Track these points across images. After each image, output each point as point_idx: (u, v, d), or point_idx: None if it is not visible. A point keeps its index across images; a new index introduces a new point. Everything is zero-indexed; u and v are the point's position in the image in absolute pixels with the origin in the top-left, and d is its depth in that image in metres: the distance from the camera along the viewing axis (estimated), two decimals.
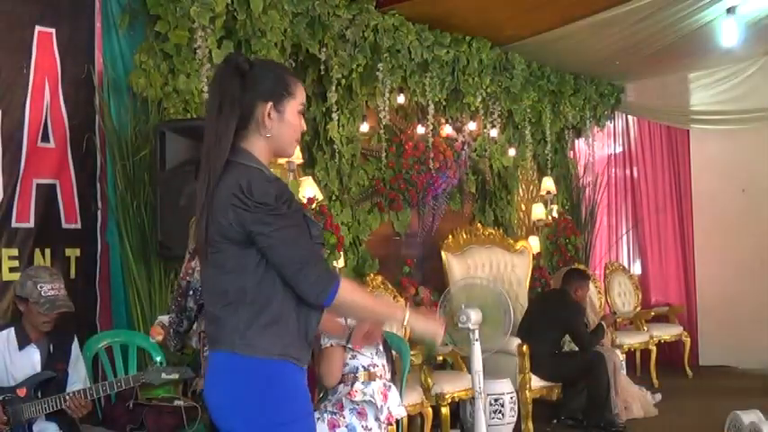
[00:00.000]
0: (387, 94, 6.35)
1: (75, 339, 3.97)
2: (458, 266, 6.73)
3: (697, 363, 8.65)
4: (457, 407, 5.83)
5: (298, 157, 5.57)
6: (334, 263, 5.63)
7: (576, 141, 8.91)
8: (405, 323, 2.39)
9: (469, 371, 5.38)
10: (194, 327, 3.44)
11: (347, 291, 2.23)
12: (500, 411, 5.74)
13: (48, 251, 4.53)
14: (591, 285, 7.27)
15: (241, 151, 2.25)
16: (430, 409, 5.33)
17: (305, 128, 2.36)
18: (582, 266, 7.67)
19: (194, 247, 3.68)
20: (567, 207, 8.58)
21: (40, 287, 3.72)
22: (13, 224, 4.39)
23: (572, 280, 6.66)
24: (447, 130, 7.12)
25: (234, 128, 2.22)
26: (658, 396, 7.06)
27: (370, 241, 6.47)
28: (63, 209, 4.65)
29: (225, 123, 2.22)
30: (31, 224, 4.48)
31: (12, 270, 4.31)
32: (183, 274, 3.42)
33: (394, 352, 4.30)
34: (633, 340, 7.78)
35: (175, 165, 4.57)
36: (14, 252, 4.38)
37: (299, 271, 2.18)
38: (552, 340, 6.35)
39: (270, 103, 2.26)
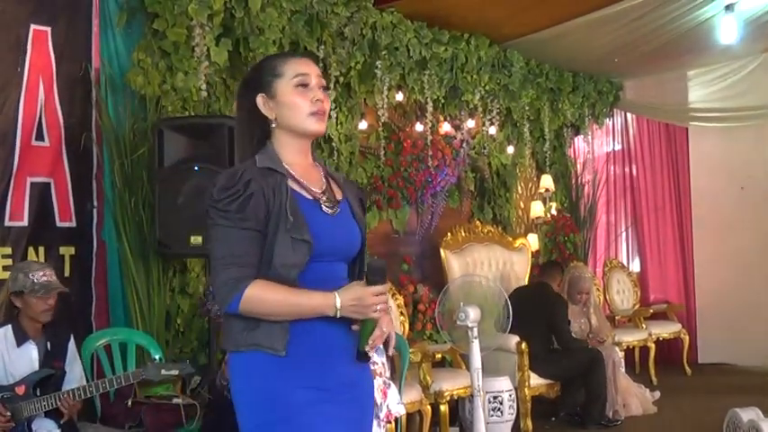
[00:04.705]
0: (385, 92, 6.33)
1: (72, 338, 3.96)
2: (457, 264, 6.72)
3: (696, 360, 8.65)
4: (456, 405, 5.81)
5: None
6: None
7: (575, 139, 8.88)
8: (338, 312, 2.14)
9: (468, 368, 5.38)
10: None
11: (255, 295, 2.11)
12: (499, 409, 5.73)
13: (42, 249, 4.51)
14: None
15: (262, 149, 2.26)
16: (429, 407, 5.32)
17: (320, 96, 2.25)
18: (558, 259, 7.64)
19: None
20: (565, 205, 8.56)
21: (32, 275, 3.72)
22: (7, 222, 4.37)
23: (554, 272, 6.63)
24: (445, 127, 7.10)
25: (247, 131, 2.29)
26: (657, 394, 7.04)
27: (369, 239, 6.40)
28: (57, 207, 4.62)
29: (239, 130, 2.36)
30: (25, 222, 4.46)
31: (5, 269, 4.27)
32: None
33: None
34: (632, 338, 7.76)
35: (174, 162, 4.56)
36: (8, 251, 4.36)
37: (213, 271, 2.18)
38: (542, 336, 6.23)
39: (261, 94, 2.26)
